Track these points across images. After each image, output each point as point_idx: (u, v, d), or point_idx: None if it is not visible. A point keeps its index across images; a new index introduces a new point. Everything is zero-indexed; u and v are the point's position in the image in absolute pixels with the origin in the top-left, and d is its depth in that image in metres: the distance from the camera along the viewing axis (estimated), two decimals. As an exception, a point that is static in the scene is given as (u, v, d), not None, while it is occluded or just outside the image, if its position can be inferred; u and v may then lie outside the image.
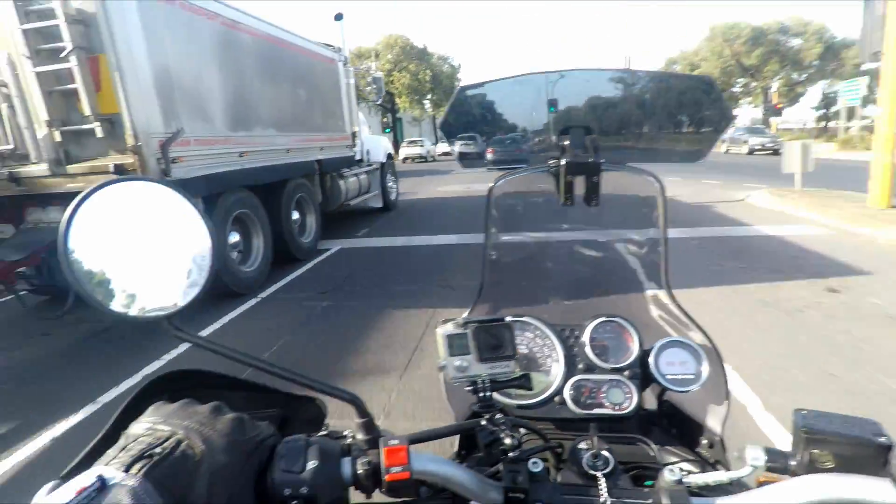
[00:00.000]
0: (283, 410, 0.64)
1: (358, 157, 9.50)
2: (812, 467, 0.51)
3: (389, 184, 10.57)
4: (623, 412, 0.82)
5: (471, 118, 1.05)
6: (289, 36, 6.48)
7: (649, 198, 0.93)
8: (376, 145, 10.28)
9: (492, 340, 0.63)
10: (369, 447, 0.53)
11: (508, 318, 0.70)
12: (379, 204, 10.11)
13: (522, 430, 0.72)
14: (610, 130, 1.01)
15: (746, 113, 58.06)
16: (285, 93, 6.34)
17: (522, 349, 0.87)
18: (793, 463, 0.52)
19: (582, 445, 0.64)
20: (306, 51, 6.95)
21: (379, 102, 10.09)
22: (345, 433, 0.58)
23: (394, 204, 10.76)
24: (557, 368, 0.86)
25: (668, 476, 0.52)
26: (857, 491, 0.47)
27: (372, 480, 0.51)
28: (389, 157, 10.75)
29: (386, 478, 0.50)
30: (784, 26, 38.61)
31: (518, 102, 1.04)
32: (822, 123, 43.97)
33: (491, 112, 1.05)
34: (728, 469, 0.69)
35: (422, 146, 31.67)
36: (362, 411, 0.55)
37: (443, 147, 29.77)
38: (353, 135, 8.59)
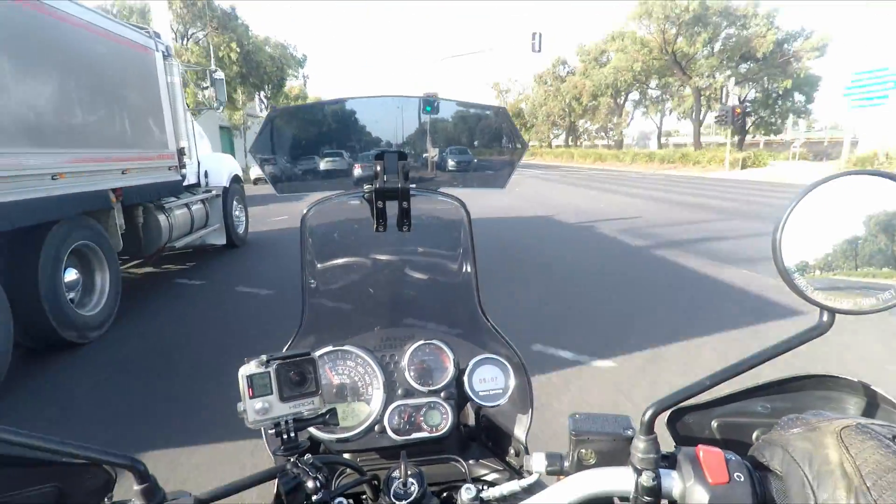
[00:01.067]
0: (59, 484, 0.55)
1: (191, 180, 7.27)
2: (580, 465, 0.56)
3: (236, 213, 8.35)
4: (440, 433, 0.82)
5: (283, 144, 1.02)
6: (68, 5, 4.27)
7: (457, 222, 0.98)
8: (217, 165, 8.05)
9: (295, 377, 0.58)
10: None
11: (326, 350, 0.84)
12: (221, 241, 7.86)
13: (344, 466, 0.73)
14: (422, 157, 1.05)
15: (671, 123, 55.33)
16: (54, 89, 4.09)
17: (344, 379, 0.85)
18: (566, 464, 0.57)
19: (395, 474, 0.64)
20: (98, 30, 4.72)
21: (220, 111, 7.88)
22: (129, 502, 0.51)
23: (242, 239, 8.53)
24: (378, 396, 0.84)
25: (465, 494, 0.58)
26: (606, 482, 0.51)
27: None
28: (237, 179, 8.54)
29: None
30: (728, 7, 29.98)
31: (334, 128, 1.04)
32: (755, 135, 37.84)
33: (308, 137, 1.05)
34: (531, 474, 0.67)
35: None
36: (142, 476, 0.50)
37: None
38: (181, 152, 6.38)
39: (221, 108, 7.84)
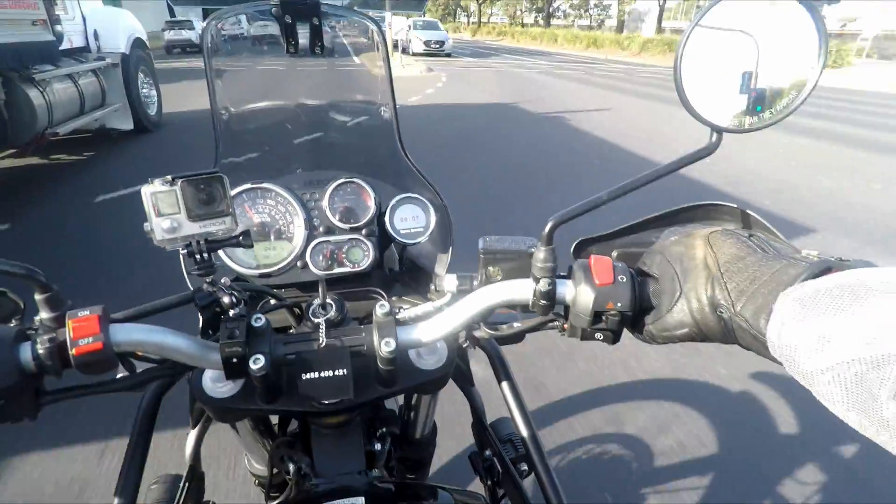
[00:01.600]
0: None
1: (77, 43, 5.60)
2: (488, 282, 0.58)
3: (143, 89, 6.74)
4: (361, 269, 0.84)
5: None
6: None
7: (372, 48, 0.94)
8: (111, 24, 6.27)
9: (203, 196, 0.53)
10: (56, 326, 0.47)
11: (245, 187, 0.80)
12: (127, 125, 6.36)
13: (265, 296, 0.71)
14: None
15: None
16: None
17: (265, 218, 0.83)
18: (476, 283, 0.61)
19: (315, 301, 0.65)
20: None
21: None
22: (35, 320, 0.48)
23: (155, 122, 7.00)
24: (300, 234, 0.83)
25: (380, 310, 0.55)
26: (508, 292, 0.54)
27: (59, 360, 0.45)
28: (140, 45, 6.78)
29: (73, 352, 0.44)
30: None
31: None
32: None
33: None
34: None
35: (192, 28, 21.15)
36: (42, 285, 0.47)
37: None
38: (52, 1, 4.72)
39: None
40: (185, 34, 21.38)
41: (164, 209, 0.52)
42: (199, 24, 22.42)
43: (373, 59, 0.95)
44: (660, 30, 39.41)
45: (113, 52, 6.10)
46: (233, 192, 0.66)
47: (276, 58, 0.92)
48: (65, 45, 5.09)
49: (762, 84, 0.48)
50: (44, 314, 0.47)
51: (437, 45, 22.64)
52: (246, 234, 0.58)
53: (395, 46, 20.27)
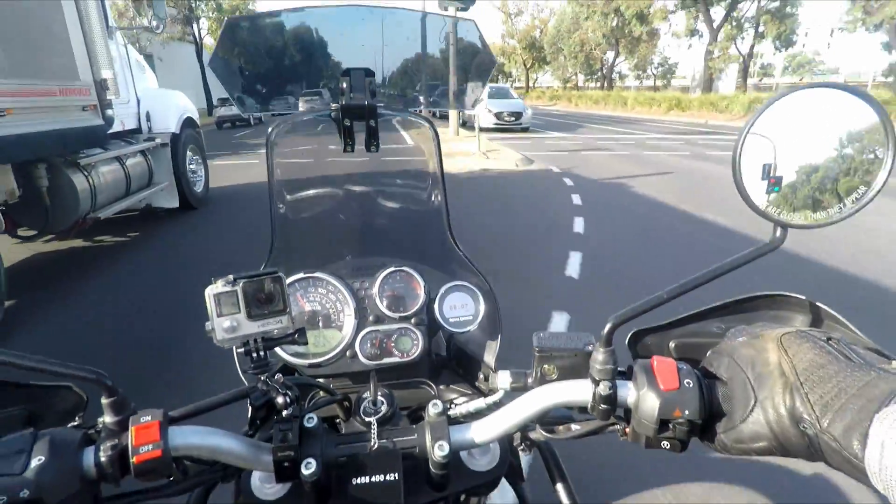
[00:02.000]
0: (29, 406, 0.56)
1: (129, 125, 5.60)
2: (543, 381, 0.56)
3: (191, 166, 6.68)
4: (410, 358, 0.83)
5: (246, 56, 0.98)
6: None
7: (426, 144, 0.95)
8: (163, 105, 6.31)
9: (262, 296, 0.55)
10: (119, 430, 0.47)
11: (297, 277, 0.83)
12: (173, 203, 6.24)
13: (316, 389, 0.74)
14: (391, 74, 1.00)
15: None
16: None
17: (315, 306, 0.85)
18: (530, 380, 0.58)
19: (365, 395, 0.67)
20: None
21: (160, 31, 6.05)
22: (99, 421, 0.49)
23: (200, 199, 6.89)
24: (350, 322, 0.85)
25: (432, 410, 0.55)
26: (566, 393, 0.53)
27: (119, 466, 0.45)
28: (190, 123, 6.79)
29: (134, 460, 0.45)
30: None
31: (296, 39, 0.98)
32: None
33: (268, 49, 0.99)
34: None
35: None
36: (110, 389, 0.48)
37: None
38: (102, 86, 4.66)
39: (161, 28, 5.94)
40: (236, 109, 22.36)
41: (224, 309, 0.53)
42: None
43: (423, 149, 0.97)
44: (743, 86, 34.67)
45: (163, 131, 6.08)
46: (286, 281, 0.65)
47: (332, 154, 0.93)
48: (116, 128, 5.03)
49: (827, 178, 0.48)
50: (108, 418, 0.48)
51: (513, 119, 17.67)
52: (301, 331, 0.58)
53: (464, 124, 17.19)
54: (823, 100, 0.46)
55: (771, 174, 0.49)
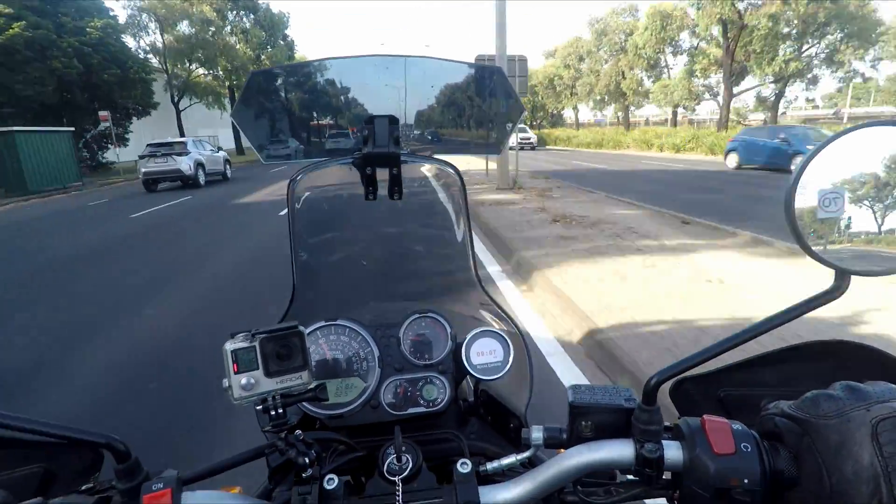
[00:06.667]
0: (46, 465, 0.55)
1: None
2: (579, 438, 0.53)
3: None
4: (437, 408, 0.80)
5: (269, 107, 1.00)
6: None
7: (452, 190, 0.94)
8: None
9: (281, 351, 0.54)
10: (130, 498, 0.47)
11: (319, 325, 0.80)
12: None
13: (336, 443, 0.70)
14: (415, 121, 1.00)
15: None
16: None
17: (338, 354, 0.82)
18: (565, 437, 0.54)
19: (390, 449, 0.61)
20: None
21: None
22: (111, 483, 0.49)
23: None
24: (373, 371, 0.81)
25: (461, 469, 0.53)
26: (606, 453, 0.49)
27: None
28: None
29: None
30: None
31: (320, 90, 1.00)
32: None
33: (291, 100, 1.00)
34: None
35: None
36: (121, 455, 0.47)
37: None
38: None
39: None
40: (162, 164, 14.62)
41: (242, 366, 0.52)
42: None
43: (447, 195, 0.95)
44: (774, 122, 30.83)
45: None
46: (307, 330, 0.65)
47: (354, 200, 0.92)
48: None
49: (892, 220, 0.44)
50: (120, 485, 0.47)
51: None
52: (321, 387, 0.57)
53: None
54: (885, 138, 0.43)
55: (829, 217, 0.45)
